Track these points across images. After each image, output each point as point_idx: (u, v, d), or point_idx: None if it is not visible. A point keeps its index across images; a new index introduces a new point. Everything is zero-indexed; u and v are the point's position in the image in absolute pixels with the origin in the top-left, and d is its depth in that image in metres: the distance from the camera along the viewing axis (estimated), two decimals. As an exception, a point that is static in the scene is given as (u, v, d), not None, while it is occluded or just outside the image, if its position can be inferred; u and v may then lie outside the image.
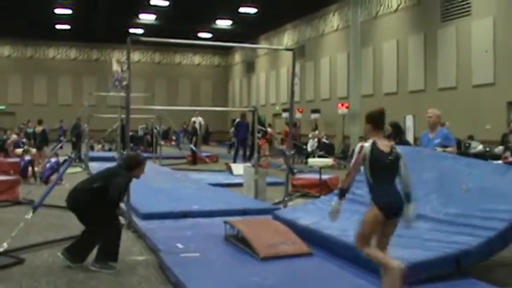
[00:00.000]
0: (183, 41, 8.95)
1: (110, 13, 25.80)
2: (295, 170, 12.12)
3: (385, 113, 4.28)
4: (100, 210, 5.29)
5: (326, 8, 24.99)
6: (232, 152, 18.49)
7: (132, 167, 5.48)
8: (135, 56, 36.15)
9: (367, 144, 4.14)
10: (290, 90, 8.71)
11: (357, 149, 4.16)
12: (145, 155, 21.70)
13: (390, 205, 4.07)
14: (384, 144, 4.18)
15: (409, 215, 4.12)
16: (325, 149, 18.96)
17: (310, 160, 12.89)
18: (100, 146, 23.38)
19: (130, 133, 8.65)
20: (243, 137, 17.72)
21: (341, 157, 18.73)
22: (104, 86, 33.06)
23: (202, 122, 22.55)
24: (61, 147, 19.79)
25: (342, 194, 4.17)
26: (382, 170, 4.10)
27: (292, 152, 9.53)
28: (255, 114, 10.31)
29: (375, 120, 4.28)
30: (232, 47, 36.14)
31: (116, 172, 5.47)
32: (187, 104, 36.07)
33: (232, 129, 21.68)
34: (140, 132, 26.33)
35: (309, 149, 19.22)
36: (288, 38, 29.45)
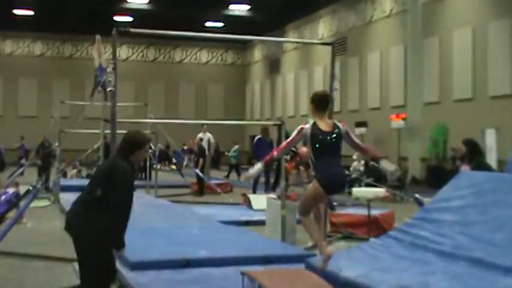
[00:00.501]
0: (185, 33, 9.03)
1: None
2: (334, 204, 12.06)
3: (328, 95, 6.00)
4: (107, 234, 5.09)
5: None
6: (252, 181, 18.48)
7: (131, 148, 5.30)
8: (123, 52, 36.63)
9: (308, 125, 5.64)
10: (329, 94, 8.69)
11: (296, 130, 5.66)
12: (136, 183, 21.92)
13: (331, 182, 5.71)
14: (326, 124, 5.79)
15: (388, 168, 6.06)
16: (375, 175, 18.85)
17: (355, 190, 12.83)
18: (75, 171, 23.59)
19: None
20: (264, 159, 17.69)
21: (396, 186, 18.61)
22: (81, 92, 33.57)
23: (212, 140, 22.62)
24: (22, 174, 20.04)
25: (266, 165, 6.11)
26: (324, 149, 5.71)
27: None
28: (281, 129, 10.33)
29: (318, 102, 5.87)
30: (250, 40, 36.45)
31: (110, 166, 5.24)
32: (192, 115, 36.37)
33: (250, 149, 21.77)
34: None
35: (353, 175, 19.14)
36: (324, 28, 29.61)
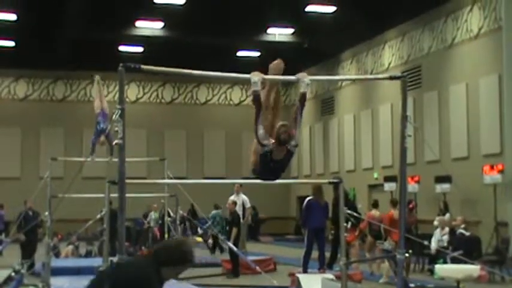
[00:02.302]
0: (209, 73, 9.11)
1: (84, 19, 26.78)
2: (411, 285, 11.97)
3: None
4: None
5: (457, 0, 25.24)
6: (301, 255, 18.46)
7: (174, 260, 5.30)
8: (132, 92, 37.11)
9: None
10: (400, 144, 8.75)
11: None
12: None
13: None
14: None
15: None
16: (465, 247, 18.69)
17: (439, 267, 12.76)
18: (71, 248, 23.78)
19: (126, 224, 8.84)
20: (317, 227, 17.71)
21: (495, 261, 18.40)
22: (78, 145, 34.06)
23: (248, 204, 22.70)
24: (0, 253, 20.12)
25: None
26: None
27: (407, 254, 9.45)
28: (339, 189, 10.36)
29: None
30: (294, 74, 36.69)
31: (141, 281, 5.13)
32: (221, 172, 36.51)
33: (299, 215, 21.72)
34: (153, 223, 26.64)
35: (435, 247, 19.00)
36: (390, 54, 29.73)
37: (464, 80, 24.83)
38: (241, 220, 21.04)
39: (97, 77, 16.59)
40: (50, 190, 17.10)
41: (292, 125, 8.07)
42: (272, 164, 7.87)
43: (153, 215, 26.96)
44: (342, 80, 33.73)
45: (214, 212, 26.44)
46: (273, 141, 7.78)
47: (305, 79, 8.24)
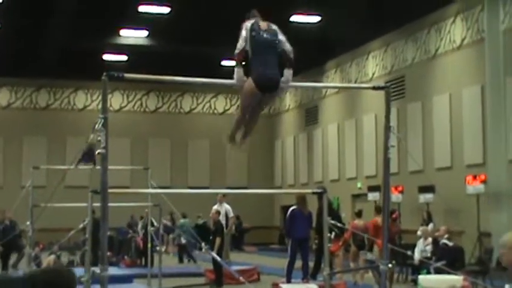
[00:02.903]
0: (194, 79, 9.12)
1: (69, 27, 26.71)
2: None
3: None
4: None
5: (441, 11, 25.34)
6: (285, 265, 18.42)
7: None
8: (116, 100, 37.00)
9: (248, 24, 8.28)
10: (383, 155, 8.74)
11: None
12: (133, 271, 22.04)
13: (264, 78, 7.95)
14: (263, 24, 8.27)
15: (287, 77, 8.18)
16: (448, 257, 18.69)
17: (423, 278, 12.76)
18: (53, 257, 23.62)
19: (109, 234, 8.79)
20: (301, 237, 17.69)
21: (478, 271, 18.40)
22: (60, 153, 33.96)
23: (231, 213, 22.68)
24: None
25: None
26: (260, 45, 8.10)
27: (390, 265, 9.41)
28: (323, 199, 10.34)
29: None
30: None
31: None
32: (205, 182, 36.48)
33: (282, 224, 21.69)
34: (140, 230, 26.50)
35: (418, 258, 18.99)
36: (374, 64, 29.79)
37: (448, 91, 24.90)
38: (225, 230, 20.99)
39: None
40: (31, 199, 17.00)
41: None
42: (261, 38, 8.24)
43: (140, 226, 26.88)
44: (325, 88, 33.71)
45: (182, 220, 26.51)
46: None
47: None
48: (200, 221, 30.74)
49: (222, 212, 21.63)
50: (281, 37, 8.35)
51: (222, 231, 20.20)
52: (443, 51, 25.35)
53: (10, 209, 19.61)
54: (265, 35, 8.24)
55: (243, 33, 8.31)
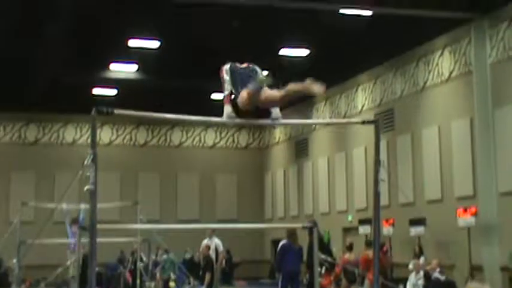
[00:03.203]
0: (183, 116, 9.17)
1: (58, 61, 26.72)
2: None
3: None
4: None
5: (428, 44, 25.46)
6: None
7: None
8: (105, 134, 36.94)
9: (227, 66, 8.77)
10: (374, 189, 8.73)
11: None
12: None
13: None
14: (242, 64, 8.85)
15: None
16: (440, 291, 18.68)
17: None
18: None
19: (97, 269, 8.74)
20: (291, 271, 17.62)
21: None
22: (49, 188, 33.80)
23: (221, 247, 22.60)
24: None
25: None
26: (242, 76, 8.79)
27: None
28: (313, 233, 10.31)
29: None
30: (267, 116, 36.74)
31: None
32: (195, 215, 36.39)
33: (273, 258, 21.62)
34: (129, 265, 26.34)
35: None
36: (364, 97, 29.88)
37: (437, 123, 24.96)
38: (215, 265, 20.91)
39: None
40: (19, 235, 16.89)
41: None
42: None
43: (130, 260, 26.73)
44: (315, 124, 33.81)
45: (165, 256, 26.17)
46: None
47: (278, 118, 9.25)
48: (187, 256, 30.56)
49: (212, 247, 21.59)
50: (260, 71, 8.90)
51: (212, 266, 20.15)
52: (431, 84, 25.43)
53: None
54: (245, 68, 9.03)
55: (225, 76, 8.96)
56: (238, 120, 8.88)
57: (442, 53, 24.92)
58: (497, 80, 21.86)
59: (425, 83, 25.78)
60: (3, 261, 18.60)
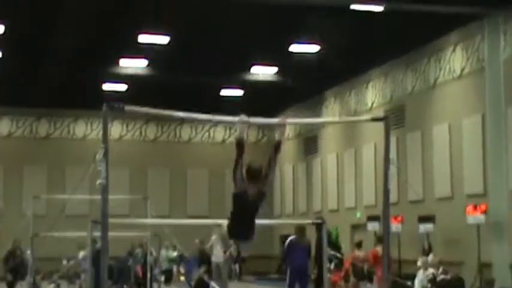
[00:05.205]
0: (194, 114, 9.14)
1: (68, 57, 26.78)
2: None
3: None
4: None
5: (440, 40, 25.39)
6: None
7: None
8: (115, 130, 36.90)
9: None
10: (383, 186, 8.71)
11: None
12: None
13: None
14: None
15: None
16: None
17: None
18: (52, 286, 23.58)
19: (109, 262, 8.74)
20: (300, 268, 17.61)
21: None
22: (60, 182, 33.86)
23: (230, 243, 22.58)
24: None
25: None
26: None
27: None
28: (322, 230, 10.31)
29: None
30: (277, 113, 36.78)
31: None
32: (204, 211, 36.34)
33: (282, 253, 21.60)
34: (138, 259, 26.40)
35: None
36: (374, 94, 29.81)
37: (447, 120, 24.88)
38: (215, 259, 21.08)
39: None
40: (31, 228, 17.00)
41: (266, 168, 9.07)
42: (247, 203, 8.73)
43: (165, 252, 27.01)
44: (324, 122, 33.79)
45: (137, 250, 26.11)
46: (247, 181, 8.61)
47: (283, 127, 9.39)
48: (176, 253, 30.21)
49: (216, 241, 21.63)
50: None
51: (208, 260, 20.27)
52: (443, 81, 25.34)
53: (18, 238, 19.66)
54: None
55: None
56: (250, 120, 9.30)
57: (454, 50, 24.82)
58: (511, 77, 21.75)
59: (436, 79, 25.70)
60: (21, 251, 18.70)
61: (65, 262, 23.97)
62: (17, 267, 18.70)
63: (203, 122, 38.44)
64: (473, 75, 23.74)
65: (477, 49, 23.49)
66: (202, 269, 19.71)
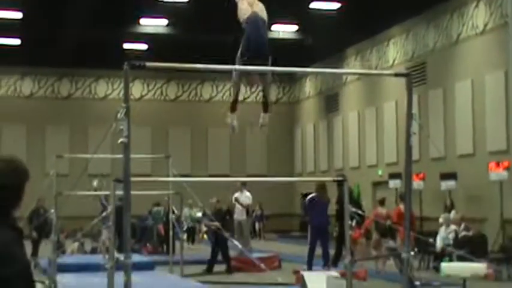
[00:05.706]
0: (213, 66, 9.16)
1: (89, 17, 26.79)
2: (417, 283, 11.90)
3: None
4: None
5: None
6: (306, 252, 18.40)
7: (12, 192, 4.26)
8: (136, 89, 37.13)
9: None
10: (405, 143, 8.66)
11: None
12: (155, 258, 22.14)
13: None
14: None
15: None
16: (470, 245, 18.65)
17: (445, 265, 12.70)
18: (76, 244, 23.79)
19: (131, 221, 8.82)
20: (321, 225, 17.68)
21: (501, 259, 18.33)
22: (83, 142, 34.07)
23: (250, 200, 22.71)
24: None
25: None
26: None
27: (413, 253, 9.35)
28: (343, 187, 10.30)
29: None
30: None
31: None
32: (225, 169, 36.55)
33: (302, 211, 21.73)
34: (151, 219, 26.66)
35: (439, 246, 18.94)
36: (395, 51, 29.67)
37: (470, 77, 24.77)
38: (238, 216, 21.23)
39: None
40: (55, 187, 17.19)
41: None
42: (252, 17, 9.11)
43: (188, 211, 27.63)
44: (346, 74, 33.65)
45: (155, 209, 26.76)
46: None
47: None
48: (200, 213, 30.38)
49: (242, 199, 21.77)
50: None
51: (225, 216, 20.50)
52: (465, 37, 25.19)
53: (42, 197, 19.92)
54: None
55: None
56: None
57: (477, 5, 24.62)
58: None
59: (459, 35, 25.53)
60: (45, 210, 18.93)
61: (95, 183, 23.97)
62: (41, 226, 18.95)
63: (224, 80, 38.52)
64: (496, 31, 23.56)
65: (500, 4, 23.28)
66: (205, 221, 19.86)
